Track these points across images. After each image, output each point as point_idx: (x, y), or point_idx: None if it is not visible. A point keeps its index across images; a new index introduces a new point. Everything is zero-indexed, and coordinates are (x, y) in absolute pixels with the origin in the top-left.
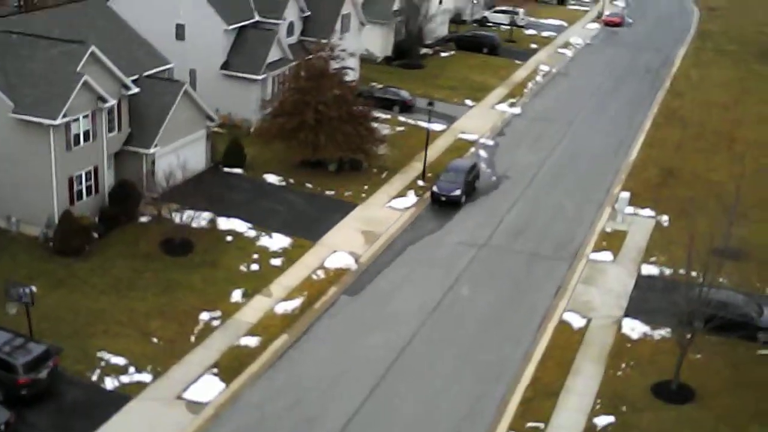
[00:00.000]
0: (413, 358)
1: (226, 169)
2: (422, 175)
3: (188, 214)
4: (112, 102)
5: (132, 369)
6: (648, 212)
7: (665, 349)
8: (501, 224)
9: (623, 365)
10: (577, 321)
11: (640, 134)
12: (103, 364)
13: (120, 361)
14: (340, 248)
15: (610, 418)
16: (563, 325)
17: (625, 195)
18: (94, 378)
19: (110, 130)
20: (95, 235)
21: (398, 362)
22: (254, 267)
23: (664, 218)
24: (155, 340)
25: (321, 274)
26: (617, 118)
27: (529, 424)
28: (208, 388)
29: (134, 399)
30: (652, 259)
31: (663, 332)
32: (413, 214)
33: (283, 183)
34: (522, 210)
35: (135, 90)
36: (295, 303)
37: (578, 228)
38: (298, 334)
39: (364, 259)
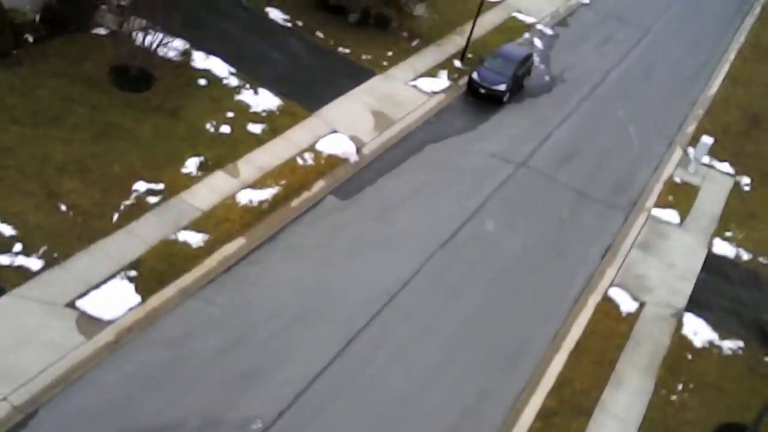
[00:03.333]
0: (405, 311)
1: None
2: (462, 55)
3: (156, 36)
4: None
5: (18, 246)
6: (726, 167)
7: (737, 372)
8: (548, 140)
9: (680, 385)
10: (626, 302)
11: (723, 64)
12: None
13: (5, 229)
14: (341, 128)
15: None
16: (608, 304)
17: (708, 140)
18: None
19: None
20: (29, 38)
21: (385, 312)
22: (225, 129)
23: (745, 180)
24: (63, 207)
25: (309, 158)
26: (699, 38)
27: None
28: (116, 299)
29: (8, 293)
30: (728, 233)
31: (734, 346)
32: (442, 102)
33: (289, 24)
34: (576, 126)
35: None
36: (267, 193)
37: (642, 167)
38: (260, 241)
39: (368, 149)
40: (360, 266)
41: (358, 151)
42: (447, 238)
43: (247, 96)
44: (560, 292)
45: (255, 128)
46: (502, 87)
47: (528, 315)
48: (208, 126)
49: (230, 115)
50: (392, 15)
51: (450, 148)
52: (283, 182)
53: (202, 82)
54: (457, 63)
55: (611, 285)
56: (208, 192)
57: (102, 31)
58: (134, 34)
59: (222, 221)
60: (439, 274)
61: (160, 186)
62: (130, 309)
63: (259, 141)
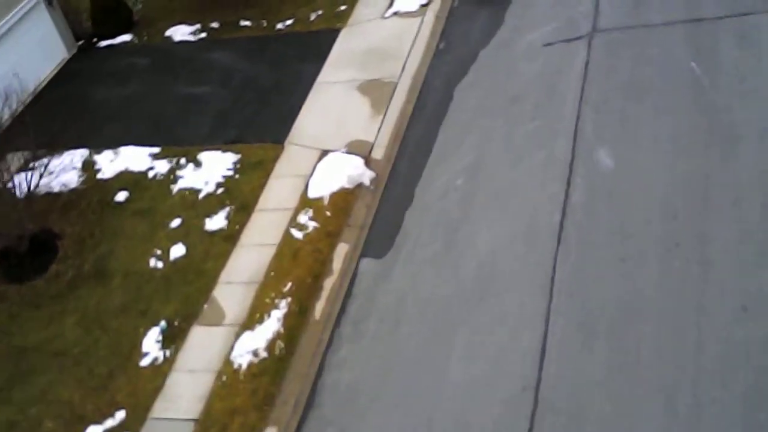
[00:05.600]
0: (559, 407)
1: (105, 43)
2: None
3: (33, 170)
4: None
5: None
6: None
7: None
8: None
9: None
10: None
11: None
12: None
13: None
14: (331, 140)
15: None
16: None
17: None
18: None
19: None
20: None
21: None
22: (177, 251)
23: None
24: None
25: (307, 220)
26: None
27: None
28: None
29: None
30: None
31: None
32: (440, 12)
33: (202, 34)
34: None
35: None
36: (272, 323)
37: None
38: (298, 416)
39: (379, 149)
40: (459, 366)
41: (368, 162)
42: (558, 221)
43: (187, 178)
44: None
45: (216, 222)
46: None
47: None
48: (152, 263)
49: (176, 223)
50: None
51: (486, 73)
52: (288, 285)
53: (121, 196)
54: None
55: None
56: (189, 379)
57: None
58: (8, 183)
59: (229, 418)
60: (577, 293)
61: (120, 415)
62: None
63: (228, 239)
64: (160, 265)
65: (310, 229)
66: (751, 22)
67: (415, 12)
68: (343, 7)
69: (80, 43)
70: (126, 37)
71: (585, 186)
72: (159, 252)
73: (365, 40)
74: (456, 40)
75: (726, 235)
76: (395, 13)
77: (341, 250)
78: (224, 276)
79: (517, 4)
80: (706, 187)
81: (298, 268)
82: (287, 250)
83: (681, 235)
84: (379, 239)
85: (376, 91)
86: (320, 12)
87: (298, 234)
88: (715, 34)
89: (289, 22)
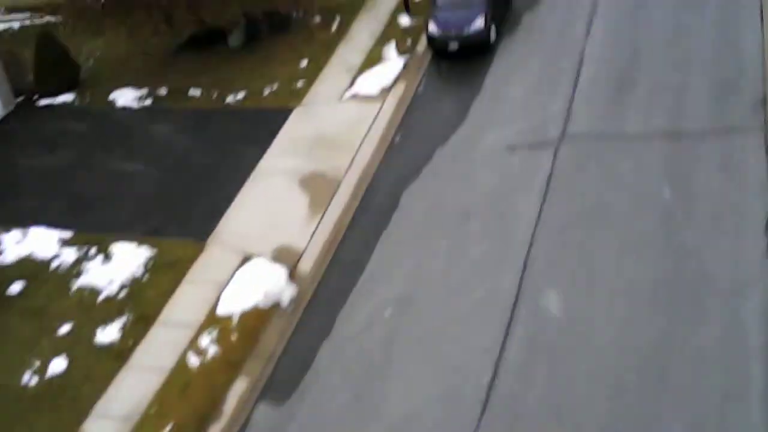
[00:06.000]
0: None
1: (45, 102)
2: (405, 5)
3: None
4: None
5: None
6: None
7: None
8: (581, 74)
9: None
10: None
11: None
12: None
13: None
14: (257, 243)
15: None
16: None
17: None
18: None
19: None
20: None
21: None
22: (57, 366)
23: None
24: None
25: (208, 342)
26: None
27: None
28: None
29: None
30: None
31: None
32: (402, 98)
33: (147, 101)
34: (612, 31)
35: None
36: None
37: (739, 39)
38: None
39: (308, 261)
40: None
41: (292, 274)
42: (486, 383)
43: (93, 272)
44: None
45: (109, 333)
46: (479, 24)
47: None
48: (25, 378)
49: (65, 329)
50: (290, 5)
51: (438, 179)
52: (167, 427)
53: (17, 287)
54: (405, 19)
55: None
56: None
57: None
58: None
59: None
60: None
61: None
62: None
63: (118, 356)
64: (34, 381)
65: (210, 354)
66: (737, 143)
67: (374, 97)
68: (300, 84)
69: (19, 99)
70: (68, 97)
71: (525, 338)
72: (38, 364)
73: (317, 125)
74: (414, 133)
75: (678, 424)
76: (354, 96)
77: (239, 387)
78: (101, 406)
79: (484, 94)
80: (664, 357)
81: (184, 405)
82: (178, 379)
83: (627, 419)
84: (285, 377)
85: (319, 187)
86: (275, 86)
87: (194, 360)
88: (695, 154)
89: (240, 95)
